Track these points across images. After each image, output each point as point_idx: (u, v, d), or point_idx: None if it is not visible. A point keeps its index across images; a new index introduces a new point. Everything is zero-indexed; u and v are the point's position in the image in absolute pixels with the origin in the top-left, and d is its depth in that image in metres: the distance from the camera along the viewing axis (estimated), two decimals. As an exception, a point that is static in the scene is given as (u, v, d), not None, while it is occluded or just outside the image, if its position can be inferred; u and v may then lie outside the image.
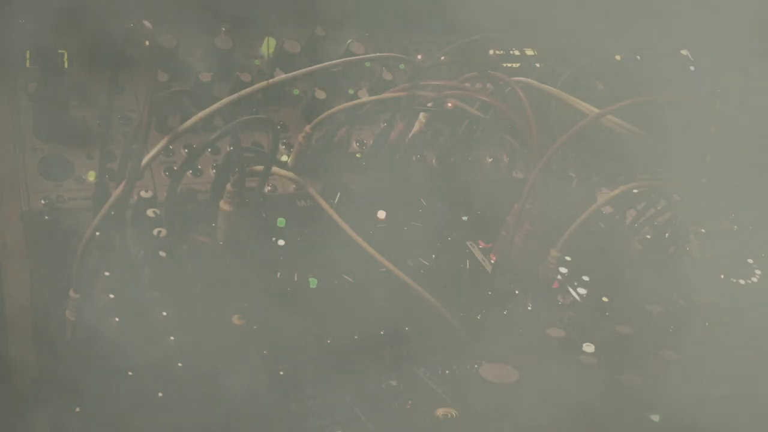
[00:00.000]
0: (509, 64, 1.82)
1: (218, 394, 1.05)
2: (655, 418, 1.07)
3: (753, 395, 1.15)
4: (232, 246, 1.17)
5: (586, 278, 1.45)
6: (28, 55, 1.33)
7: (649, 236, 1.57)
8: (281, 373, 1.10)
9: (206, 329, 1.10)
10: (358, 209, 1.35)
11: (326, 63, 1.32)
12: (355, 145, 1.51)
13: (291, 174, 1.21)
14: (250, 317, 1.09)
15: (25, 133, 1.26)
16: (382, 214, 1.37)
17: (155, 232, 1.16)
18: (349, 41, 1.60)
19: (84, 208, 1.22)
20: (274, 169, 1.17)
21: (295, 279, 1.24)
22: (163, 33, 1.39)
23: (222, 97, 1.12)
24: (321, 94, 1.48)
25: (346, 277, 1.27)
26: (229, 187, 1.15)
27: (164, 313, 1.10)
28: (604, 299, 1.43)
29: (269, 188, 1.39)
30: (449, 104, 1.45)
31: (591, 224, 1.41)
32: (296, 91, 1.53)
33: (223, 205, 1.16)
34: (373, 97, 1.42)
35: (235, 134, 1.11)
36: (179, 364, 1.06)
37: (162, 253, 1.12)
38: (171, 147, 1.34)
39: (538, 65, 1.85)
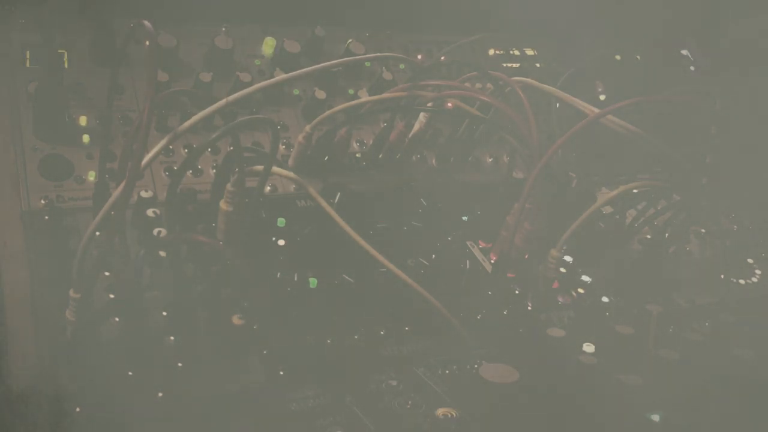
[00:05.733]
0: (509, 64, 1.82)
1: (218, 394, 1.05)
2: (655, 418, 1.07)
3: (752, 395, 1.15)
4: (232, 246, 1.17)
5: (586, 278, 1.45)
6: (28, 55, 1.33)
7: (649, 236, 1.57)
8: (281, 373, 1.10)
9: (206, 329, 1.10)
10: (358, 209, 1.35)
11: (326, 63, 1.32)
12: (355, 145, 1.51)
13: (291, 174, 1.21)
14: (250, 317, 1.09)
15: (25, 133, 1.26)
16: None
17: (155, 232, 1.16)
18: (349, 41, 1.61)
19: (84, 208, 1.22)
20: (274, 169, 1.17)
21: (295, 279, 1.24)
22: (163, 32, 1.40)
23: (222, 97, 1.12)
24: (321, 94, 1.48)
25: (346, 277, 1.27)
26: (229, 187, 1.15)
27: (164, 313, 1.11)
28: (604, 299, 1.43)
29: (269, 188, 1.39)
30: (449, 104, 1.45)
31: (591, 224, 1.41)
32: (296, 91, 1.53)
33: (223, 205, 1.16)
34: (373, 97, 1.42)
35: (235, 134, 1.11)
36: (179, 364, 1.06)
37: (162, 253, 1.12)
38: (171, 147, 1.34)
39: (538, 65, 1.85)
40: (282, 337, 1.15)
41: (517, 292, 1.36)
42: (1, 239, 1.14)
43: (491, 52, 1.81)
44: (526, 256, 1.39)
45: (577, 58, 1.82)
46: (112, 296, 1.10)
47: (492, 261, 1.42)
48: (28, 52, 1.33)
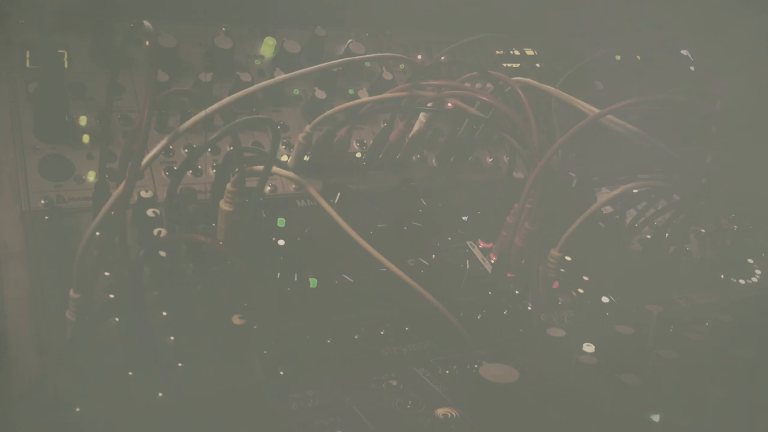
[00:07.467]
0: (509, 64, 1.82)
1: (218, 394, 1.05)
2: (655, 418, 1.07)
3: (752, 395, 1.15)
4: (232, 246, 1.17)
5: (586, 278, 1.45)
6: (28, 55, 1.33)
7: (649, 236, 1.57)
8: (281, 373, 1.10)
9: (206, 329, 1.10)
10: (358, 209, 1.35)
11: (326, 63, 1.32)
12: (355, 145, 1.51)
13: (291, 174, 1.21)
14: (250, 317, 1.09)
15: (25, 133, 1.26)
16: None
17: (155, 232, 1.16)
18: (349, 41, 1.61)
19: (84, 208, 1.22)
20: (274, 169, 1.17)
21: (295, 279, 1.24)
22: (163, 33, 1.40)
23: (222, 97, 1.12)
24: (321, 94, 1.48)
25: (346, 277, 1.28)
26: (229, 187, 1.15)
27: (164, 313, 1.11)
28: (604, 299, 1.43)
29: (269, 188, 1.39)
30: (449, 104, 1.45)
31: (591, 224, 1.41)
32: (296, 91, 1.53)
33: (223, 205, 1.16)
34: (373, 97, 1.42)
35: (235, 134, 1.11)
36: (179, 364, 1.06)
37: (162, 253, 1.12)
38: (171, 147, 1.34)
39: (538, 65, 1.85)
40: (282, 337, 1.15)
41: (517, 292, 1.36)
42: (1, 239, 1.14)
43: (491, 52, 1.81)
44: (526, 256, 1.38)
45: (577, 58, 1.82)
46: (112, 296, 1.10)
47: (492, 261, 1.42)
48: (28, 52, 1.33)
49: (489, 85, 1.51)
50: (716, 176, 1.48)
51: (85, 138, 1.30)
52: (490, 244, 1.45)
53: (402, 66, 1.66)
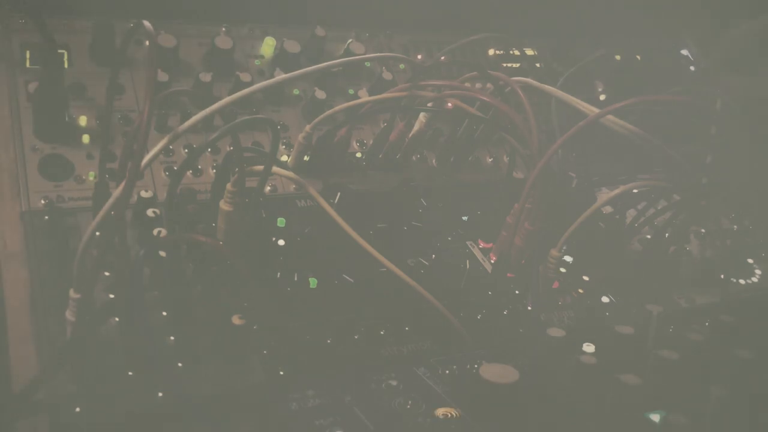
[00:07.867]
0: (509, 64, 1.82)
1: (218, 394, 1.05)
2: (655, 418, 1.06)
3: (752, 395, 1.15)
4: (232, 246, 1.17)
5: (586, 278, 1.45)
6: (28, 55, 1.33)
7: (649, 236, 1.57)
8: (281, 373, 1.10)
9: (206, 329, 1.10)
10: (358, 209, 1.35)
11: (326, 63, 1.32)
12: (355, 145, 1.51)
13: (291, 174, 1.21)
14: (250, 317, 1.09)
15: (25, 133, 1.26)
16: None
17: (155, 232, 1.16)
18: (349, 41, 1.61)
19: (84, 208, 1.22)
20: (274, 169, 1.17)
21: (295, 279, 1.24)
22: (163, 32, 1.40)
23: (222, 97, 1.12)
24: (321, 94, 1.48)
25: (346, 277, 1.27)
26: (229, 187, 1.15)
27: (164, 313, 1.11)
28: (604, 299, 1.43)
29: (269, 188, 1.39)
30: (449, 104, 1.45)
31: (591, 224, 1.41)
32: (296, 91, 1.53)
33: (223, 205, 1.16)
34: (373, 97, 1.42)
35: (235, 134, 1.11)
36: (179, 364, 1.06)
37: (162, 253, 1.12)
38: (171, 147, 1.34)
39: (538, 65, 1.85)
40: (282, 337, 1.15)
41: (517, 292, 1.36)
42: (1, 239, 1.14)
43: (491, 52, 1.81)
44: (526, 256, 1.38)
45: (577, 58, 1.82)
46: (112, 296, 1.10)
47: (492, 261, 1.42)
48: (28, 52, 1.33)
49: (489, 85, 1.51)
50: (716, 176, 1.47)
51: (85, 138, 1.30)
52: (490, 244, 1.45)
53: (402, 66, 1.66)
